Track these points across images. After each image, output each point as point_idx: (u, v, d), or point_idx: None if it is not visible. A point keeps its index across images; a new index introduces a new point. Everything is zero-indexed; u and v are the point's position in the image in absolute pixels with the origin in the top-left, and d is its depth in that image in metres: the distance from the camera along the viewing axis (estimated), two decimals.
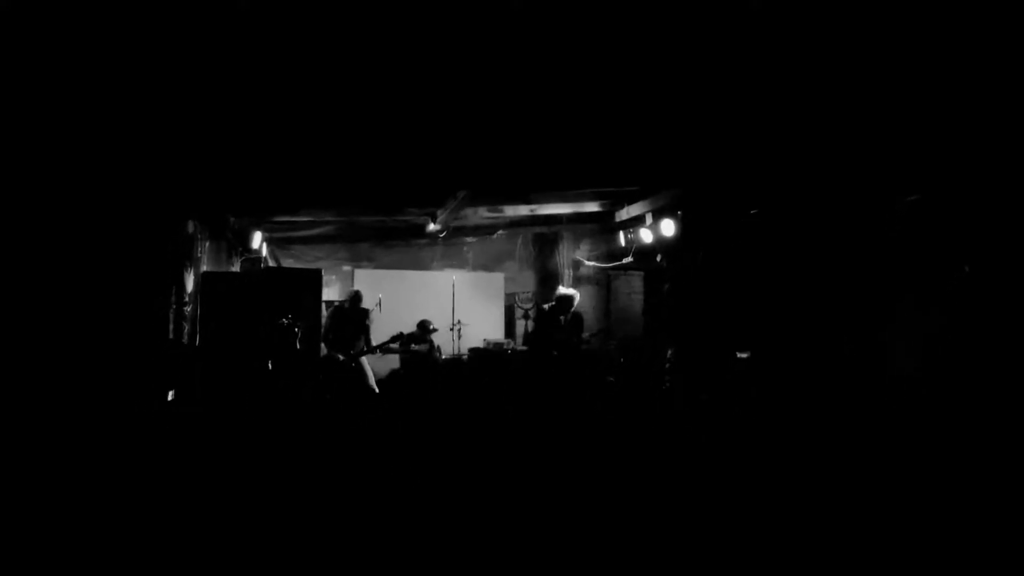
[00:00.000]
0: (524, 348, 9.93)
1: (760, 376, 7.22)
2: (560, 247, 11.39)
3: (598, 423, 7.28)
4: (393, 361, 10.08)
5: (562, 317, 8.62)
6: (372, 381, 9.26)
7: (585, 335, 9.09)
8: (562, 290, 8.97)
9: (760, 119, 6.40)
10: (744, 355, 7.43)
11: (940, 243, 6.07)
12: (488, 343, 10.24)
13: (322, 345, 9.14)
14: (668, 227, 8.65)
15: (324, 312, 9.59)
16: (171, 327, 7.48)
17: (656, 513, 4.31)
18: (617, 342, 10.50)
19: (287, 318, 7.98)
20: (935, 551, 3.68)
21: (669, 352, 8.67)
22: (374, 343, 9.17)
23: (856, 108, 5.86)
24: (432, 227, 10.00)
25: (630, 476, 5.14)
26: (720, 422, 6.91)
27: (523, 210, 9.81)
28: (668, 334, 8.98)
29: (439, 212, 9.49)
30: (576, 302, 8.73)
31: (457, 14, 4.92)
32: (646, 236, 9.19)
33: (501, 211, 9.78)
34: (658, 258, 9.61)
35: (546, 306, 9.02)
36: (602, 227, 10.76)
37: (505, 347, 10.24)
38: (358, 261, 11.58)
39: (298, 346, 8.02)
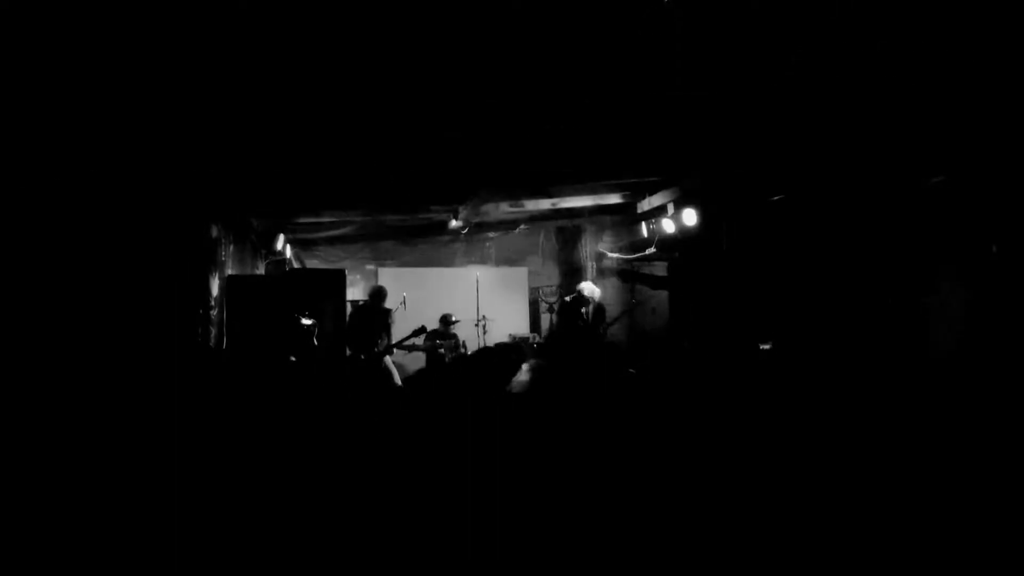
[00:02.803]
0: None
1: (784, 367, 7.10)
2: (583, 240, 11.34)
3: (614, 417, 7.20)
4: (421, 358, 10.16)
5: (584, 309, 8.63)
6: (397, 379, 9.27)
7: (608, 321, 9.08)
8: (582, 287, 9.00)
9: (781, 103, 6.30)
10: (766, 346, 7.31)
11: (967, 224, 5.93)
12: (513, 337, 10.26)
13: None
14: (690, 216, 8.56)
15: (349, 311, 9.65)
16: (199, 332, 7.58)
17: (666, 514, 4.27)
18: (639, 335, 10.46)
19: (304, 314, 8.01)
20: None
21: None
22: (395, 340, 9.18)
23: (877, 90, 5.74)
24: (454, 223, 10.02)
25: (642, 473, 5.09)
26: (743, 416, 6.81)
27: (544, 204, 9.77)
28: (689, 325, 8.93)
29: (461, 208, 9.50)
30: (597, 299, 8.75)
31: (474, 8, 4.91)
32: (668, 226, 9.10)
33: (523, 205, 9.75)
34: (675, 254, 9.54)
35: (568, 298, 9.03)
36: (624, 218, 10.68)
37: (530, 341, 10.27)
38: (381, 260, 11.65)
39: (315, 343, 8.05)
